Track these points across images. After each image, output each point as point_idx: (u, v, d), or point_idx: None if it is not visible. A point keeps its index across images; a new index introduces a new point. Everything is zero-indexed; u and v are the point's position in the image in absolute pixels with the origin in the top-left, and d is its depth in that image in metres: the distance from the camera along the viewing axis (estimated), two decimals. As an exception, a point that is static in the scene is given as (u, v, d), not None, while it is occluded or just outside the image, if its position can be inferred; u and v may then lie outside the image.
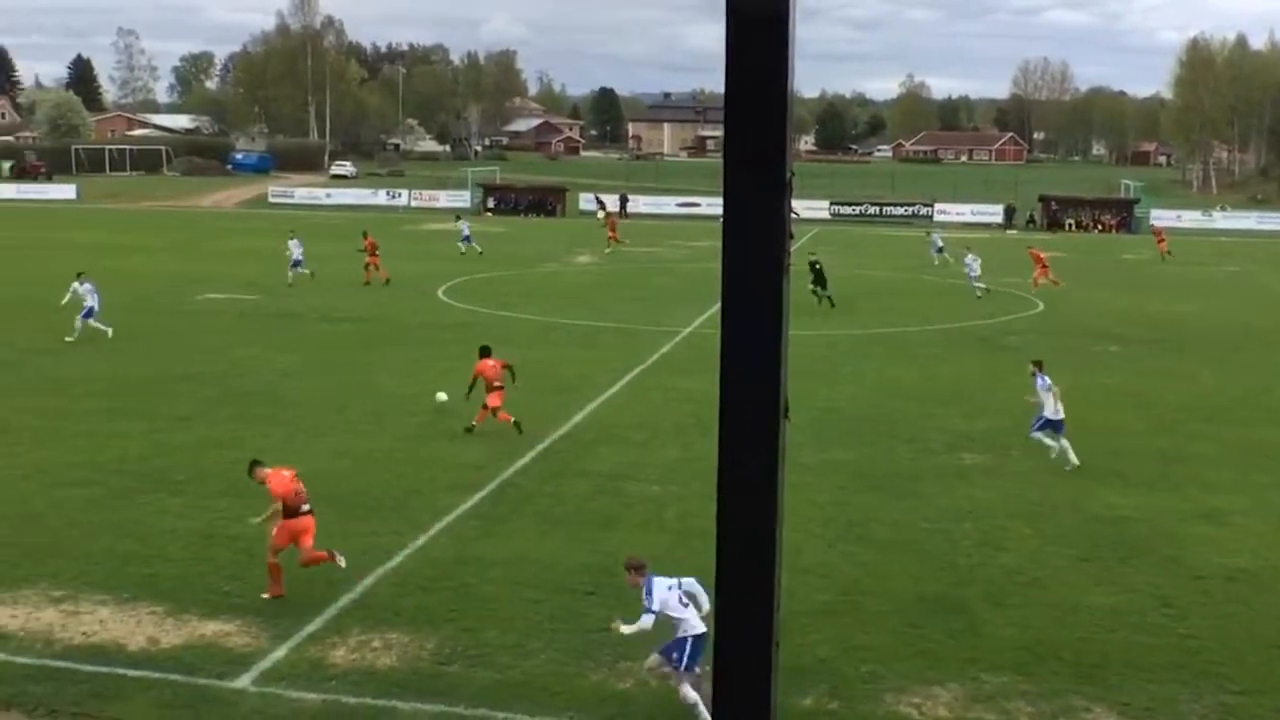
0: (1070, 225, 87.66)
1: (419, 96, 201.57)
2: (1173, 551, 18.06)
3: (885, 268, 57.45)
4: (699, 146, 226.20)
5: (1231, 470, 22.70)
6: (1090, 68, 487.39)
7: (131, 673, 13.50)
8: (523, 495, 20.36)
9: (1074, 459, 22.20)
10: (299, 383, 29.08)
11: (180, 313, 40.14)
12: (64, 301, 34.75)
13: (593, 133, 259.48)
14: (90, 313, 34.20)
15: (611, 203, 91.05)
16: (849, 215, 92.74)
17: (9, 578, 16.25)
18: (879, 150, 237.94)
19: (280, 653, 14.08)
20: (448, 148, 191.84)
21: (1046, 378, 22.85)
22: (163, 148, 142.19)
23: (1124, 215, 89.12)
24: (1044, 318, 42.19)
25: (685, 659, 12.32)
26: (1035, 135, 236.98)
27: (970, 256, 47.61)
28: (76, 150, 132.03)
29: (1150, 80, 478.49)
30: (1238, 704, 13.21)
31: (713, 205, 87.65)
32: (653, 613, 12.31)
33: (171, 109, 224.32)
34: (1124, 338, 37.67)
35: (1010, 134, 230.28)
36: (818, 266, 42.72)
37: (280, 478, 15.77)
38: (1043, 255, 49.35)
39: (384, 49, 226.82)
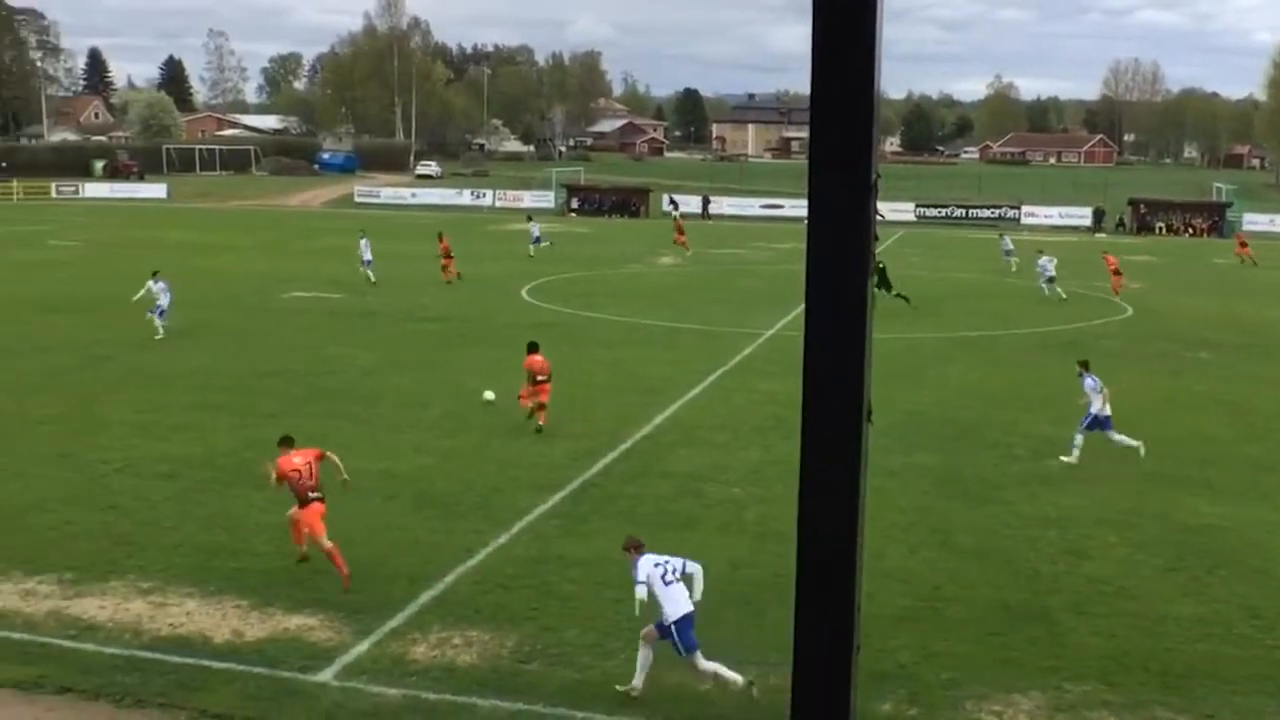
0: (1160, 229, 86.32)
1: (504, 97, 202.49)
2: (1261, 562, 17.74)
3: (971, 270, 56.89)
4: (783, 148, 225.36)
5: (1325, 480, 22.23)
6: (1182, 69, 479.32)
7: (217, 664, 13.71)
8: (604, 495, 20.40)
9: (1131, 442, 22.57)
10: (383, 381, 29.34)
11: (268, 311, 40.66)
12: (136, 298, 35.43)
13: (677, 134, 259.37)
14: (160, 310, 34.72)
15: (686, 204, 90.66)
16: (934, 217, 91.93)
17: (99, 569, 16.56)
18: (965, 152, 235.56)
19: (362, 647, 14.22)
20: (532, 148, 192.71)
21: (1095, 377, 22.85)
22: (251, 148, 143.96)
23: (1215, 219, 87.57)
24: (1133, 322, 41.58)
25: (680, 644, 12.95)
26: (1125, 137, 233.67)
27: (1044, 259, 46.93)
28: (167, 150, 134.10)
29: (1244, 82, 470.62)
30: (1329, 718, 12.96)
31: (796, 207, 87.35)
32: (641, 583, 13.14)
33: (260, 109, 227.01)
34: (1214, 343, 37.03)
35: (1100, 136, 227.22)
36: (880, 267, 42.34)
37: (287, 458, 16.46)
38: (1115, 260, 48.35)
39: (469, 50, 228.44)
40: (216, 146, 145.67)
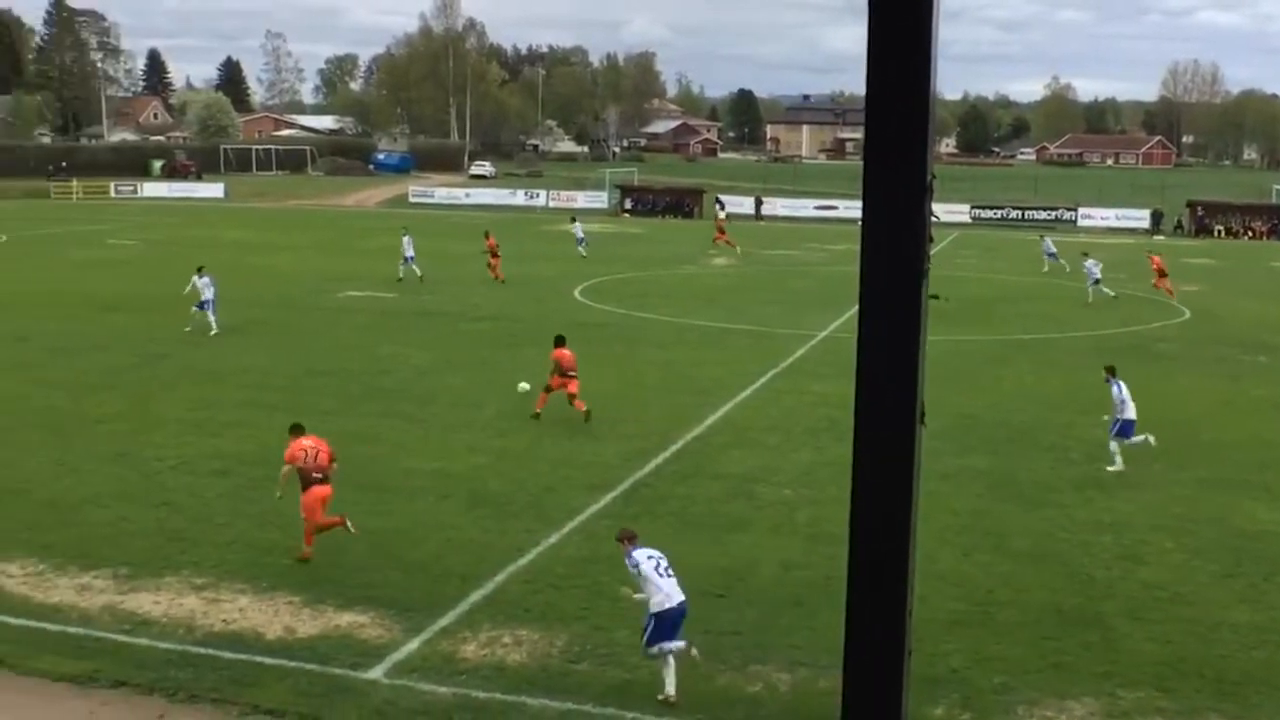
0: (1219, 231, 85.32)
1: (558, 98, 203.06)
2: (1322, 569, 17.50)
3: (1025, 272, 56.39)
4: (838, 149, 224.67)
5: (1387, 487, 21.89)
6: (1242, 70, 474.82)
7: (269, 660, 13.81)
8: (655, 496, 20.40)
9: (1151, 439, 22.58)
10: (437, 380, 29.47)
11: (323, 309, 40.92)
12: (185, 292, 35.82)
13: (731, 134, 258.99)
14: (204, 304, 35.08)
15: (738, 205, 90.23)
16: (990, 219, 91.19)
17: (153, 565, 16.72)
18: (1022, 153, 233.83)
19: (413, 645, 14.28)
20: (586, 149, 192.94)
21: (1122, 383, 22.75)
22: (307, 148, 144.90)
23: (1275, 222, 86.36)
24: (1190, 325, 41.11)
25: (648, 635, 13.10)
26: (1184, 139, 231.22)
27: (1090, 261, 46.47)
28: (225, 150, 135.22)
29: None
30: (1390, 729, 12.77)
31: (850, 208, 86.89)
32: (634, 569, 13.38)
33: (316, 110, 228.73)
34: (1274, 347, 36.53)
35: (1158, 137, 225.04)
36: None
37: (296, 443, 17.19)
38: (1160, 260, 47.63)
39: (524, 51, 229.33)
40: (273, 147, 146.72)
